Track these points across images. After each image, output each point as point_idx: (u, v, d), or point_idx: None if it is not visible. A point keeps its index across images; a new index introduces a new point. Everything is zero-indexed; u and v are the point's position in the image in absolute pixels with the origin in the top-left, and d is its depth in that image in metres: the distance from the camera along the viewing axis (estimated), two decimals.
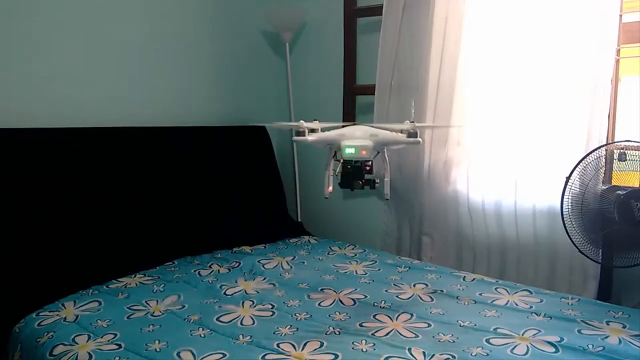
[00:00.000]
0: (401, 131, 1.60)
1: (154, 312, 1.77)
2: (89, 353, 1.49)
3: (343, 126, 1.62)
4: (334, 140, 1.56)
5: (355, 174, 1.58)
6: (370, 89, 2.67)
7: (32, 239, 2.01)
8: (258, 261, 2.25)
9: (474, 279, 2.07)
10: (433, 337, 1.58)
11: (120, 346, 1.53)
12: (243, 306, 1.83)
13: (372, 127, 1.58)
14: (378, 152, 1.60)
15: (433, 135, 2.47)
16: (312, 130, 1.62)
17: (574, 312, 1.74)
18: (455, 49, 2.36)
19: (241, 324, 1.69)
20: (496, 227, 2.37)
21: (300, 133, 1.56)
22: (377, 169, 1.66)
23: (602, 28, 2.02)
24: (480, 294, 1.91)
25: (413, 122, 1.56)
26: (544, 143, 2.21)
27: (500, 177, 2.34)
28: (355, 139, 1.51)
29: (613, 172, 2.00)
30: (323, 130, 1.64)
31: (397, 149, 1.68)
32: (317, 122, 1.68)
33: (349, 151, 1.50)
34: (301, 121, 1.57)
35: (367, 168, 1.58)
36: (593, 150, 1.97)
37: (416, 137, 1.54)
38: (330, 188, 1.66)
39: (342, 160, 1.58)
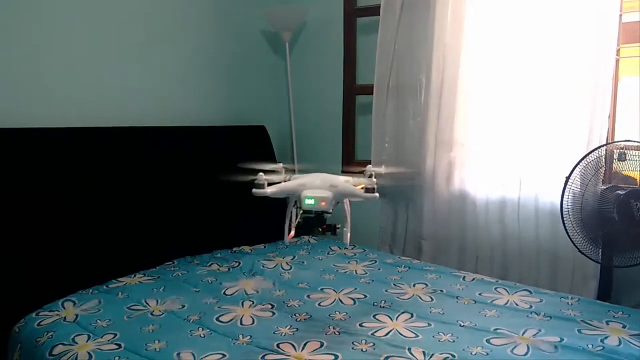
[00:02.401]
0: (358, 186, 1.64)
1: (154, 312, 1.77)
2: (89, 353, 1.49)
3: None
4: (294, 191, 1.59)
5: (317, 221, 1.61)
6: (370, 89, 2.67)
7: (32, 239, 2.01)
8: (258, 261, 2.25)
9: (474, 279, 2.07)
10: (433, 337, 1.58)
11: (120, 346, 1.53)
12: (243, 306, 1.83)
13: (334, 176, 1.63)
14: (338, 203, 1.63)
15: (437, 137, 2.46)
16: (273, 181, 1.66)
17: (574, 312, 1.74)
18: (457, 49, 2.36)
19: (241, 324, 1.69)
20: (498, 228, 2.37)
21: (259, 186, 1.59)
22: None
23: (602, 28, 2.02)
24: (480, 294, 1.91)
25: (372, 176, 1.64)
26: (545, 143, 2.21)
27: (503, 178, 2.33)
28: (315, 190, 1.54)
29: (613, 172, 2.00)
30: (286, 172, 1.73)
31: (355, 200, 1.69)
32: (281, 165, 1.77)
33: (309, 202, 1.52)
34: (260, 174, 1.61)
35: (329, 214, 1.61)
36: (593, 150, 1.97)
37: (374, 192, 1.58)
38: (292, 233, 1.68)
39: (302, 210, 1.60)
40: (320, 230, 1.62)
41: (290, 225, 1.70)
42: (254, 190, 1.60)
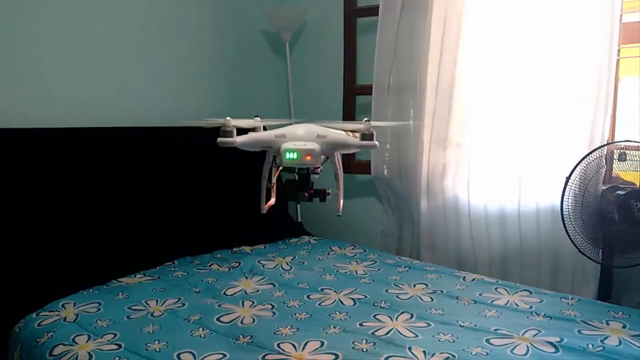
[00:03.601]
0: (354, 132, 1.35)
1: (154, 312, 1.77)
2: (89, 353, 1.49)
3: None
4: (270, 142, 1.27)
5: (301, 184, 1.31)
6: (370, 89, 2.67)
7: (32, 239, 2.01)
8: (258, 261, 2.25)
9: (473, 279, 2.07)
10: (433, 336, 1.58)
11: (120, 346, 1.53)
12: (243, 306, 1.83)
13: (322, 126, 1.32)
14: (327, 158, 1.31)
15: (432, 136, 2.47)
16: (245, 131, 1.34)
17: (574, 312, 1.74)
18: (455, 49, 2.36)
19: (241, 324, 1.69)
20: (497, 228, 2.37)
21: (226, 133, 1.27)
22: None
23: (602, 28, 2.02)
24: (480, 294, 1.91)
25: (368, 120, 1.29)
26: (545, 144, 2.21)
27: (502, 178, 2.33)
28: (297, 142, 1.23)
29: (613, 172, 2.00)
30: (266, 130, 1.38)
31: (349, 152, 1.38)
32: (258, 118, 1.43)
33: (290, 156, 1.21)
34: (228, 118, 1.28)
35: (316, 175, 1.31)
36: (593, 150, 1.97)
37: (372, 139, 1.26)
38: (272, 200, 1.39)
39: (281, 168, 1.30)
40: (306, 195, 1.32)
41: (269, 190, 1.39)
42: (219, 139, 1.27)
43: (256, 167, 2.87)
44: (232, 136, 1.28)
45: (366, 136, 1.28)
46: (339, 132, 1.34)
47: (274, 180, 1.37)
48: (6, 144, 2.05)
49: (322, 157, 1.27)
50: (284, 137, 1.26)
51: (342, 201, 1.36)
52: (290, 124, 1.33)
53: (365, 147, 1.28)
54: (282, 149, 1.22)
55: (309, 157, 1.22)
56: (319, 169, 1.30)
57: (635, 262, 1.92)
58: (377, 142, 1.27)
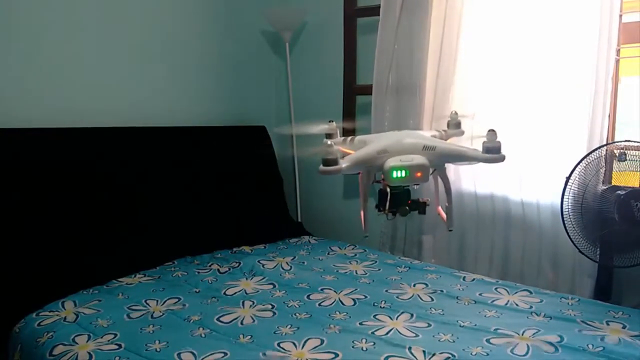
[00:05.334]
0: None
1: (154, 312, 1.77)
2: (89, 353, 1.49)
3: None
4: (373, 160, 1.13)
5: (402, 197, 1.19)
6: (370, 89, 2.66)
7: (32, 239, 2.01)
8: (258, 261, 2.25)
9: (474, 279, 2.07)
10: (433, 336, 1.58)
11: (120, 346, 1.53)
12: (243, 306, 1.83)
13: (421, 132, 1.18)
14: (434, 170, 1.19)
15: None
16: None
17: (574, 312, 1.74)
18: (455, 49, 2.36)
19: (241, 323, 1.69)
20: (497, 228, 2.37)
21: (329, 162, 1.11)
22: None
23: (602, 28, 2.02)
24: (480, 294, 1.91)
25: (493, 131, 1.15)
26: (545, 143, 2.20)
27: (502, 177, 2.33)
28: (403, 157, 1.09)
29: (613, 172, 2.00)
30: (346, 136, 1.26)
31: (462, 165, 1.21)
32: (333, 123, 1.32)
33: (398, 175, 1.07)
34: (328, 142, 1.13)
35: (416, 185, 1.17)
36: (593, 150, 1.97)
37: (498, 152, 1.14)
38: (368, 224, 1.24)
39: (384, 185, 1.16)
40: (407, 208, 1.19)
41: (366, 213, 1.25)
42: (323, 168, 1.13)
43: (256, 167, 2.88)
44: (336, 164, 1.11)
45: (491, 149, 1.15)
46: (447, 142, 1.22)
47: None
48: (6, 144, 2.05)
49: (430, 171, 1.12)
50: (386, 152, 1.11)
51: (452, 215, 1.27)
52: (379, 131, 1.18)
53: (488, 161, 1.15)
54: (386, 166, 1.08)
55: (419, 174, 1.08)
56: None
57: (635, 262, 1.92)
58: (504, 155, 1.14)
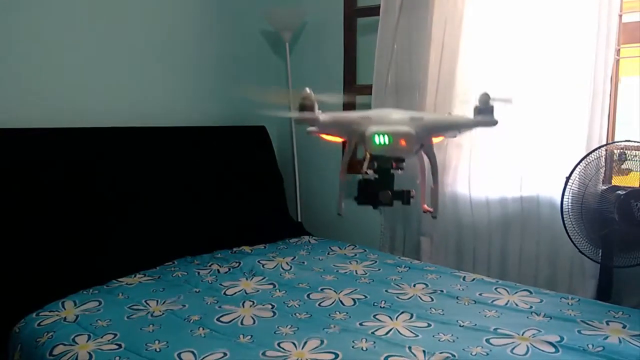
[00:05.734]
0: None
1: (154, 312, 1.77)
2: (89, 353, 1.49)
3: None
4: (355, 123, 1.03)
5: (384, 181, 1.07)
6: (370, 89, 2.66)
7: (32, 239, 2.01)
8: (258, 261, 2.25)
9: (474, 279, 2.07)
10: (433, 336, 1.58)
11: (120, 346, 1.53)
12: (243, 306, 1.83)
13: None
14: (421, 146, 1.07)
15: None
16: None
17: (574, 312, 1.74)
18: (455, 48, 2.36)
19: (241, 323, 1.69)
20: (497, 227, 2.37)
21: (305, 107, 1.06)
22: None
23: (602, 28, 2.02)
24: (480, 294, 1.91)
25: (487, 93, 1.05)
26: (544, 143, 2.21)
27: (501, 177, 2.33)
28: (389, 125, 1.00)
29: (613, 172, 2.00)
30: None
31: (453, 137, 1.10)
32: (308, 91, 1.16)
33: (380, 140, 0.97)
34: (307, 90, 1.06)
35: (400, 170, 1.07)
36: (593, 150, 1.97)
37: (491, 114, 1.04)
38: (343, 203, 1.18)
39: (366, 162, 1.08)
40: (390, 194, 1.07)
41: (343, 188, 1.16)
42: (298, 115, 1.07)
43: (256, 167, 2.88)
44: (312, 110, 1.05)
45: (483, 110, 1.05)
46: (435, 113, 1.11)
47: (365, 167, 1.09)
48: (6, 143, 2.05)
49: (417, 144, 1.02)
50: (370, 120, 1.01)
51: (437, 199, 1.12)
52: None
53: (480, 125, 1.05)
54: (368, 132, 0.98)
55: (403, 142, 0.98)
56: (404, 164, 1.06)
57: (635, 262, 1.92)
58: (497, 120, 1.03)
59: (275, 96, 1.13)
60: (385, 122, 1.00)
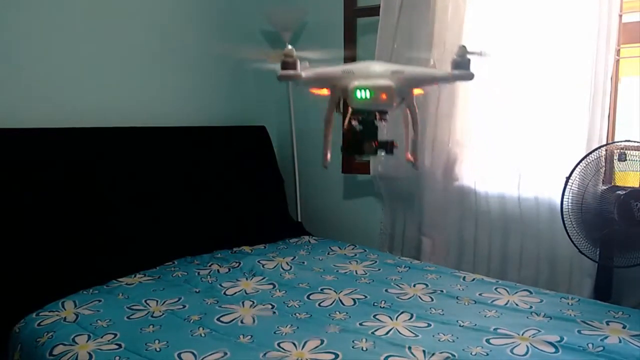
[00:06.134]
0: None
1: (154, 312, 1.77)
2: (89, 353, 1.49)
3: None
4: (336, 77, 1.08)
5: (368, 132, 1.10)
6: None
7: (32, 239, 2.01)
8: (258, 261, 2.25)
9: (474, 279, 2.07)
10: (433, 336, 1.58)
11: (120, 346, 1.53)
12: (243, 306, 1.83)
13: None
14: (403, 99, 1.11)
15: (436, 136, 2.46)
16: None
17: (574, 312, 1.74)
18: (455, 48, 2.35)
19: (241, 323, 1.69)
20: (496, 226, 2.37)
21: (288, 65, 1.09)
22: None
23: (602, 28, 2.02)
24: (480, 294, 1.91)
25: (464, 46, 1.08)
26: (544, 143, 2.21)
27: (501, 177, 2.34)
28: (370, 79, 1.03)
29: (613, 172, 2.00)
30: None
31: (430, 88, 1.17)
32: (290, 47, 1.20)
33: (361, 95, 1.01)
34: (289, 46, 1.11)
35: (384, 122, 1.10)
36: (593, 150, 1.97)
37: (467, 68, 1.06)
38: (330, 155, 1.21)
39: (349, 115, 1.10)
40: (374, 145, 1.10)
41: (328, 141, 1.21)
42: (280, 73, 1.10)
43: (256, 167, 2.88)
44: (295, 68, 1.08)
45: (460, 64, 1.06)
46: (416, 67, 1.14)
47: (347, 121, 1.12)
48: (7, 144, 2.05)
49: (398, 97, 1.05)
50: (352, 73, 1.05)
51: (417, 149, 1.16)
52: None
53: (458, 78, 1.07)
54: (350, 86, 1.02)
55: (384, 96, 1.01)
56: (387, 116, 1.09)
57: (635, 262, 1.92)
58: (473, 73, 1.06)
59: (266, 55, 1.15)
60: (367, 76, 1.04)
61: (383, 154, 1.08)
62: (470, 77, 1.07)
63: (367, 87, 1.01)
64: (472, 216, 2.43)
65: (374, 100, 1.02)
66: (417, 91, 1.12)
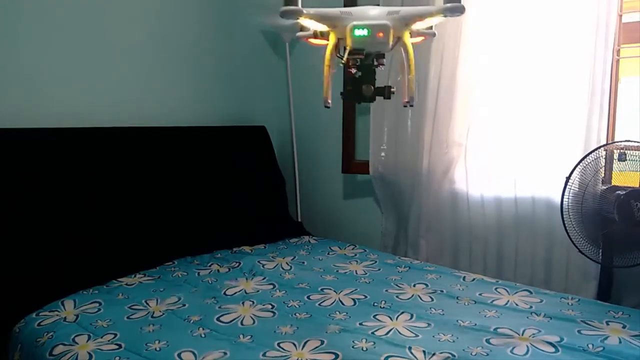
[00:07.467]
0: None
1: (154, 312, 1.77)
2: (89, 353, 1.49)
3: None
4: (335, 18, 1.14)
5: (365, 75, 1.17)
6: None
7: (32, 238, 2.01)
8: (258, 261, 2.25)
9: (474, 279, 2.07)
10: (433, 336, 1.58)
11: (120, 346, 1.53)
12: (243, 306, 1.83)
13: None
14: (399, 39, 1.15)
15: (432, 136, 2.47)
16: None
17: (574, 312, 1.74)
18: (455, 49, 2.36)
19: (241, 323, 1.69)
20: (494, 227, 2.37)
21: (290, 2, 1.13)
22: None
23: (602, 28, 2.02)
24: (480, 294, 1.91)
25: None
26: (543, 143, 2.21)
27: (500, 177, 2.34)
28: (368, 19, 1.09)
29: (613, 172, 2.00)
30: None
31: (426, 29, 1.19)
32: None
33: (360, 33, 1.07)
34: None
35: (382, 66, 1.17)
36: (593, 150, 1.97)
37: (458, 0, 1.09)
38: (330, 95, 1.29)
39: (347, 54, 1.14)
40: (372, 88, 1.19)
41: (329, 80, 1.27)
42: (283, 8, 1.13)
43: (256, 167, 2.87)
44: (297, 4, 1.12)
45: None
46: (411, 7, 1.19)
47: (344, 59, 1.18)
48: (7, 144, 2.05)
49: (395, 37, 1.10)
50: (350, 14, 1.11)
51: (416, 88, 1.19)
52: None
53: (449, 11, 1.09)
54: (349, 26, 1.08)
55: (381, 34, 1.07)
56: (384, 60, 1.15)
57: (635, 262, 1.92)
58: (464, 6, 1.09)
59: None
60: (364, 17, 1.10)
61: (382, 98, 1.14)
62: (461, 10, 1.10)
63: (364, 26, 1.07)
64: (469, 217, 2.43)
65: (372, 38, 1.08)
66: (416, 39, 1.18)
